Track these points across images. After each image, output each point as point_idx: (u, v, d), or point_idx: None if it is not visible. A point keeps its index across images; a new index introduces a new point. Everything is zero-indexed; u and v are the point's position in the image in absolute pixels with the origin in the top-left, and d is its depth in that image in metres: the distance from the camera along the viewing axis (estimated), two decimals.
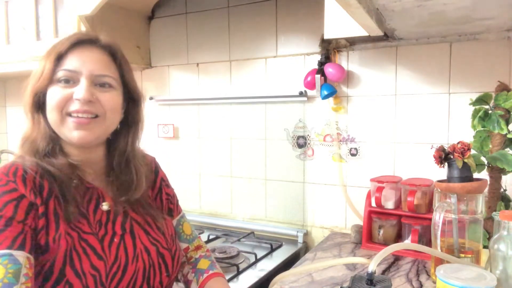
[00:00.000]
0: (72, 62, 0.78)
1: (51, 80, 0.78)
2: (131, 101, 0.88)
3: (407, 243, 1.26)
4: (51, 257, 0.71)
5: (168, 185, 1.00)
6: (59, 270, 0.70)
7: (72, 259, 0.72)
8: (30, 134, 0.80)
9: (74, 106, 0.77)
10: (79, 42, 0.80)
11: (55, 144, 0.80)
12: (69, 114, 0.78)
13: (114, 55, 0.84)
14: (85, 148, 0.82)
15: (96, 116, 0.79)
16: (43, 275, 0.70)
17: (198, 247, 1.01)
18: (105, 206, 0.82)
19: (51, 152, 0.79)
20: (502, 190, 1.21)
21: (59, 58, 0.78)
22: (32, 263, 0.69)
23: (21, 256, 0.67)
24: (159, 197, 0.96)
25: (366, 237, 1.39)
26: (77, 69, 0.78)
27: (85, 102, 0.77)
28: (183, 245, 0.98)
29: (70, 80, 0.78)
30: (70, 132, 0.78)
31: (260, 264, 1.41)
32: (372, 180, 1.40)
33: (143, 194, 0.89)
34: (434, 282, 1.07)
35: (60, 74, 0.78)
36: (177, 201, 1.01)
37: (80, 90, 0.77)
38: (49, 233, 0.72)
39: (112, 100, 0.81)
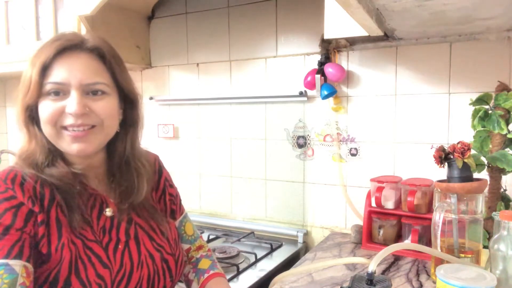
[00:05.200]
0: (59, 73, 0.73)
1: (40, 93, 0.74)
2: (128, 102, 0.83)
3: (407, 243, 1.26)
4: (53, 267, 0.70)
5: (171, 185, 0.98)
6: (64, 280, 0.70)
7: (77, 268, 0.71)
8: (28, 148, 0.77)
9: (68, 120, 0.73)
10: (64, 49, 0.74)
11: (54, 156, 0.77)
12: (65, 128, 0.74)
13: (103, 57, 0.78)
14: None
15: (93, 126, 0.76)
16: (48, 284, 0.70)
17: (199, 247, 1.00)
18: (108, 212, 0.80)
19: (52, 164, 0.76)
20: (502, 190, 1.21)
21: (45, 68, 0.73)
22: (30, 271, 0.68)
23: (18, 265, 0.66)
24: (162, 199, 0.94)
25: (366, 237, 1.39)
26: (65, 81, 0.73)
27: (78, 116, 0.73)
28: (185, 246, 0.97)
29: (60, 92, 0.74)
30: (69, 146, 0.75)
31: (260, 264, 1.41)
32: (372, 180, 1.40)
33: (147, 197, 0.87)
34: (434, 282, 1.07)
35: (48, 87, 0.73)
36: (180, 201, 1.00)
37: (72, 104, 0.73)
38: (51, 242, 0.71)
39: (107, 107, 0.77)
